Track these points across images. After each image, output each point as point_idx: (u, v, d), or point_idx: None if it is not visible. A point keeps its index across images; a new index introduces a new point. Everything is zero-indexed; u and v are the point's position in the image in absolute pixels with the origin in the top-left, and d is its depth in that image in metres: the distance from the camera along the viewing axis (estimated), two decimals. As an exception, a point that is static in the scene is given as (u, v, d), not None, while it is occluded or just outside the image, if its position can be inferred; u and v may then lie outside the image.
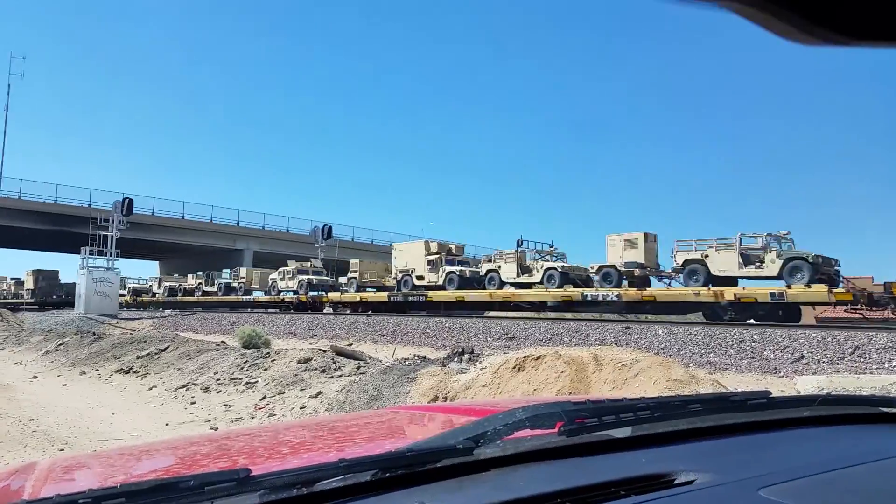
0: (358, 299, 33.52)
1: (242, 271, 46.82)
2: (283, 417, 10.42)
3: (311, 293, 38.52)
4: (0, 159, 62.83)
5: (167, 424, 9.75)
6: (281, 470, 0.99)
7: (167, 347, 15.58)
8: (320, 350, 12.52)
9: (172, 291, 51.84)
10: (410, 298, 30.40)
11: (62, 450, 7.96)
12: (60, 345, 19.58)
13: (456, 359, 9.99)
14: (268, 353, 13.06)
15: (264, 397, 10.89)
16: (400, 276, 31.76)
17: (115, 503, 0.86)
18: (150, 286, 53.91)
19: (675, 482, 1.09)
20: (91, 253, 42.61)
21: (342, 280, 36.94)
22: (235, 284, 46.30)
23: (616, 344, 12.31)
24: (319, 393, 10.46)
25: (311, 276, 39.74)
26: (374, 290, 34.37)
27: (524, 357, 9.25)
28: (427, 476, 1.05)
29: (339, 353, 12.24)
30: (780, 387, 12.10)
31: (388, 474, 1.03)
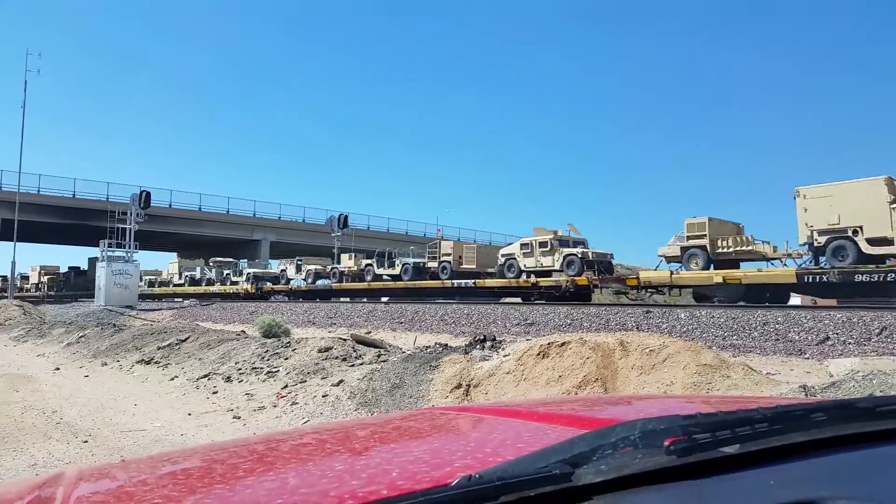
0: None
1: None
2: (305, 406, 10.38)
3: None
4: (19, 155, 63.13)
5: (190, 414, 9.74)
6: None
7: (188, 338, 15.61)
8: (340, 338, 12.46)
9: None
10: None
11: (86, 441, 7.95)
12: (82, 336, 19.72)
13: (478, 346, 9.90)
14: (288, 342, 13.03)
15: (286, 386, 10.86)
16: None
17: None
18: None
19: None
20: (110, 246, 42.99)
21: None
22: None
23: (638, 329, 12.16)
24: (341, 381, 10.40)
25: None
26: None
27: (548, 343, 9.13)
28: None
29: (359, 341, 12.19)
30: (806, 369, 11.91)
31: None
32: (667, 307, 15.76)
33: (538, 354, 9.17)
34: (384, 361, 10.45)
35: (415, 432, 1.74)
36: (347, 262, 39.19)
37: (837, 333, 13.95)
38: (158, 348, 15.17)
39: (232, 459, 1.52)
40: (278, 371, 11.34)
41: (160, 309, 38.80)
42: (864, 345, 13.28)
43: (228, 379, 11.58)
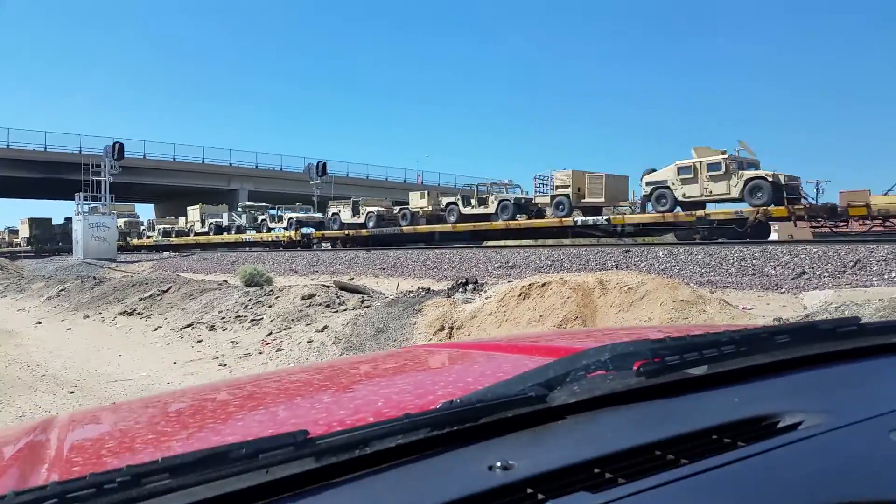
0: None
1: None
2: (290, 352, 10.45)
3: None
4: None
5: (175, 363, 9.79)
6: (340, 430, 0.86)
7: (169, 289, 15.57)
8: (323, 286, 12.48)
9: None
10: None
11: (72, 392, 7.99)
12: (62, 290, 19.59)
13: (460, 289, 9.96)
14: (271, 290, 13.04)
15: (270, 333, 10.90)
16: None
17: (160, 480, 0.73)
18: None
19: (780, 425, 0.96)
20: (85, 199, 42.35)
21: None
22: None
23: (617, 267, 12.31)
24: (325, 327, 10.46)
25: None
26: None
27: (529, 284, 9.22)
28: (497, 428, 0.93)
29: (343, 287, 12.22)
30: (782, 303, 12.16)
31: (456, 428, 0.90)
32: (646, 246, 15.92)
33: (519, 295, 9.26)
34: (368, 307, 10.51)
35: (399, 367, 1.76)
36: (419, 203, 33.73)
37: (813, 268, 14.21)
38: (140, 299, 15.13)
39: (222, 397, 1.54)
40: (262, 319, 11.37)
41: (140, 261, 38.54)
42: (839, 277, 13.55)
43: (212, 328, 11.60)
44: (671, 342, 1.13)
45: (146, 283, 17.39)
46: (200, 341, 11.23)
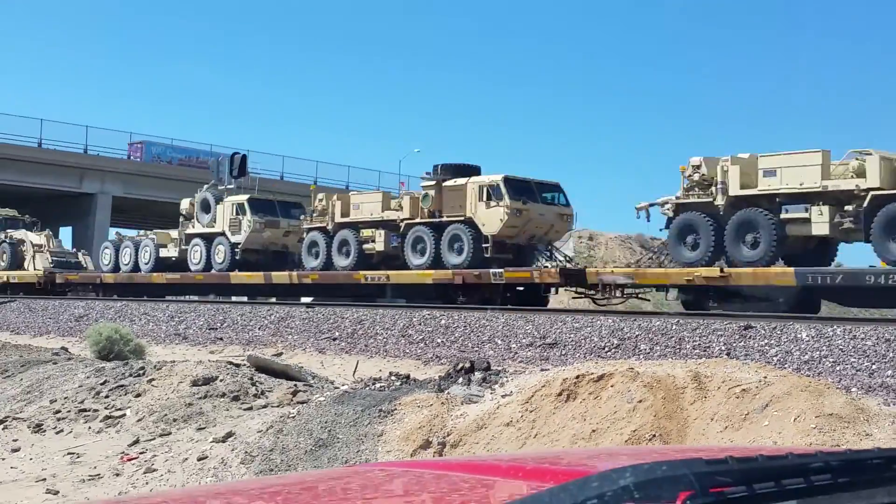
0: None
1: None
2: (168, 475, 6.82)
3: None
4: None
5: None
6: None
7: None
8: (230, 363, 8.73)
9: None
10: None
11: None
12: None
13: (460, 379, 6.63)
14: (142, 367, 9.16)
15: (137, 441, 7.45)
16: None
17: None
18: None
19: None
20: None
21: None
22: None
23: (728, 354, 9.02)
24: (230, 435, 6.99)
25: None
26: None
27: (576, 377, 6.17)
28: None
29: (262, 368, 8.54)
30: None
31: None
32: (781, 320, 11.05)
33: (559, 395, 6.16)
34: (303, 403, 7.06)
35: (338, 498, 1.37)
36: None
37: None
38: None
39: None
40: (124, 416, 7.93)
41: None
42: None
43: (39, 428, 8.17)
44: (734, 464, 0.87)
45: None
46: (17, 450, 7.75)
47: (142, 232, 28.94)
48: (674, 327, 10.18)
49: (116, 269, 25.64)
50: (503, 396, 6.28)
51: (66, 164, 38.40)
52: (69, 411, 8.10)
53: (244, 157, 27.66)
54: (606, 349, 9.95)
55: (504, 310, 13.82)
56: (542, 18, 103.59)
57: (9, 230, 28.97)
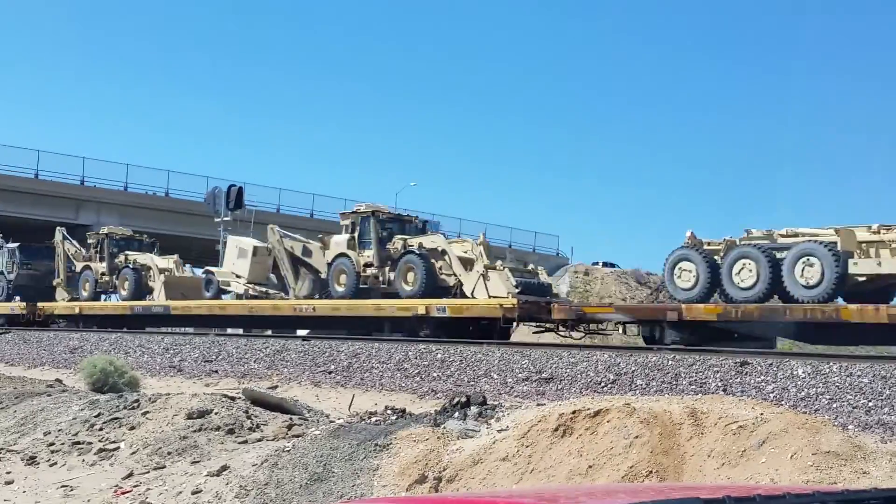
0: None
1: None
2: None
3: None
4: None
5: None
6: None
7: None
8: (225, 396, 8.64)
9: None
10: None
11: None
12: None
13: (456, 413, 6.59)
14: (136, 399, 9.04)
15: (131, 474, 7.33)
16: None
17: None
18: None
19: None
20: None
21: None
22: None
23: (725, 390, 8.96)
24: (225, 468, 6.89)
25: None
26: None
27: (573, 412, 6.14)
28: None
29: (257, 401, 8.45)
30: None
31: None
32: (778, 356, 10.43)
33: (555, 430, 6.12)
34: (298, 436, 6.96)
35: None
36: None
37: None
38: None
39: None
40: (118, 449, 7.77)
41: None
42: None
43: (33, 460, 7.91)
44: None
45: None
46: (10, 483, 7.49)
47: None
48: (670, 363, 10.15)
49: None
50: (499, 431, 6.25)
51: (62, 195, 38.39)
52: (63, 444, 7.97)
53: (241, 190, 27.84)
54: (602, 384, 9.91)
55: (500, 344, 13.66)
56: (552, 56, 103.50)
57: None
